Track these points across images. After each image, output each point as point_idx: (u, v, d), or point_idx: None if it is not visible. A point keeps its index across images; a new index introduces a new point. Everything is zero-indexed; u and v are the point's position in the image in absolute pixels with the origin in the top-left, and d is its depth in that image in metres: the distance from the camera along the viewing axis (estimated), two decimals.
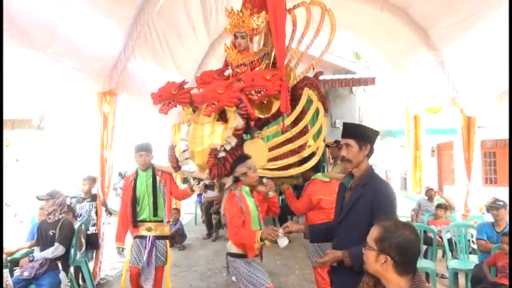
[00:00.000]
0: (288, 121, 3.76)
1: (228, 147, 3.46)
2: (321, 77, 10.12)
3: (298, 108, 3.80)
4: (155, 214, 3.94)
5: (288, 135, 3.73)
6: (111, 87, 5.02)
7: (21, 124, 14.02)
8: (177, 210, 7.65)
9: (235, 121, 3.45)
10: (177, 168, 3.83)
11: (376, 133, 2.47)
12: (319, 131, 3.89)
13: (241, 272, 3.11)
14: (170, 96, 3.57)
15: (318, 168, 4.00)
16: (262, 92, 3.56)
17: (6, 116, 13.31)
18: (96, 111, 5.03)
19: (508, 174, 11.20)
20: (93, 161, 5.15)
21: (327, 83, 10.22)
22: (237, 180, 3.22)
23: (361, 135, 2.35)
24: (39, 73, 3.79)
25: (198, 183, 3.76)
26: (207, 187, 3.85)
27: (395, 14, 6.29)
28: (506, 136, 11.53)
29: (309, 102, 3.95)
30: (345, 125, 2.48)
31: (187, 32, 6.35)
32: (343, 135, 2.39)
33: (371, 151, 2.37)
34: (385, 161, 15.88)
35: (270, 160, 3.64)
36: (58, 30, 3.73)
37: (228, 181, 3.31)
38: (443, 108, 7.29)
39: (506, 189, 10.25)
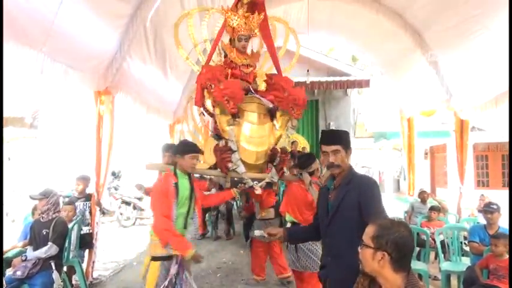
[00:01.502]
0: None
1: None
2: (316, 79, 10.27)
3: None
4: (185, 226, 3.41)
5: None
6: (106, 86, 4.99)
7: (13, 122, 13.91)
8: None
9: (294, 120, 3.83)
10: (228, 170, 3.71)
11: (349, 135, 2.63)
12: None
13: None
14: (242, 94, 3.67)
15: None
16: None
17: None
18: (91, 110, 5.01)
19: (508, 175, 11.33)
20: (87, 160, 5.13)
21: (322, 85, 10.27)
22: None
23: (345, 140, 2.44)
24: (33, 71, 3.73)
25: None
26: (267, 185, 3.92)
27: (390, 17, 6.35)
28: (498, 139, 11.69)
29: None
30: (330, 132, 2.61)
31: (183, 32, 6.33)
32: (330, 142, 2.41)
33: (351, 153, 2.48)
34: (379, 163, 15.96)
35: None
36: (55, 28, 3.70)
37: (307, 177, 3.75)
38: (437, 111, 7.35)
39: (498, 192, 10.39)
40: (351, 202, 2.27)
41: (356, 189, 2.29)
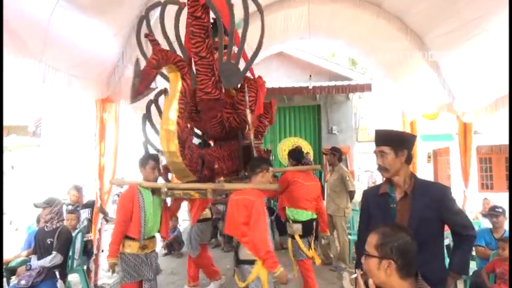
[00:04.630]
0: None
1: None
2: (318, 84, 10.27)
3: None
4: None
5: None
6: (108, 94, 5.01)
7: (16, 130, 13.97)
8: (175, 217, 7.61)
9: None
10: None
11: (413, 137, 2.39)
12: None
13: None
14: None
15: None
16: None
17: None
18: (93, 118, 5.02)
19: (508, 178, 11.29)
20: (90, 167, 5.13)
21: (324, 89, 10.28)
22: None
23: (396, 141, 2.24)
24: (35, 79, 3.74)
25: None
26: None
27: (391, 21, 6.36)
28: (502, 142, 11.64)
29: None
30: (378, 132, 2.35)
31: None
32: (377, 143, 2.29)
33: (409, 157, 2.25)
34: None
35: None
36: (54, 36, 3.70)
37: None
38: (440, 114, 7.34)
39: (503, 194, 10.33)
40: (432, 215, 2.14)
41: (436, 201, 2.15)
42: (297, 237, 4.23)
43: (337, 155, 6.09)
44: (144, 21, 3.79)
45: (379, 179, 15.44)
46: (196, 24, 3.46)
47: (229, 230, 3.35)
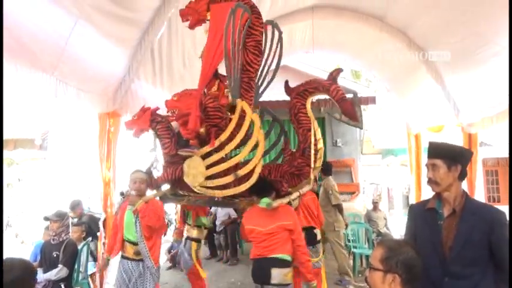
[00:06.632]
0: (223, 137, 3.47)
1: None
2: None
3: (232, 123, 3.49)
4: None
5: (222, 153, 3.46)
6: (115, 108, 5.07)
7: (23, 144, 14.08)
8: (180, 231, 7.61)
9: None
10: None
11: (470, 153, 2.27)
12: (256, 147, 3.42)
13: None
14: None
15: (261, 191, 3.42)
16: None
17: (8, 135, 13.39)
18: (100, 131, 5.07)
19: (508, 187, 11.18)
20: (95, 180, 5.17)
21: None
22: None
23: (450, 154, 2.13)
24: (43, 93, 3.81)
25: None
26: None
27: (393, 34, 6.41)
28: (508, 154, 11.58)
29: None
30: (431, 144, 2.26)
31: (190, 54, 6.42)
32: (430, 155, 2.20)
33: (463, 173, 2.12)
34: (387, 180, 15.85)
35: (207, 178, 3.45)
36: (66, 53, 3.79)
37: None
38: (445, 126, 7.33)
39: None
40: (479, 238, 1.97)
41: (486, 225, 1.99)
42: None
43: (321, 168, 6.05)
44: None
45: (384, 191, 15.35)
46: (261, 44, 3.82)
47: (308, 221, 4.31)
